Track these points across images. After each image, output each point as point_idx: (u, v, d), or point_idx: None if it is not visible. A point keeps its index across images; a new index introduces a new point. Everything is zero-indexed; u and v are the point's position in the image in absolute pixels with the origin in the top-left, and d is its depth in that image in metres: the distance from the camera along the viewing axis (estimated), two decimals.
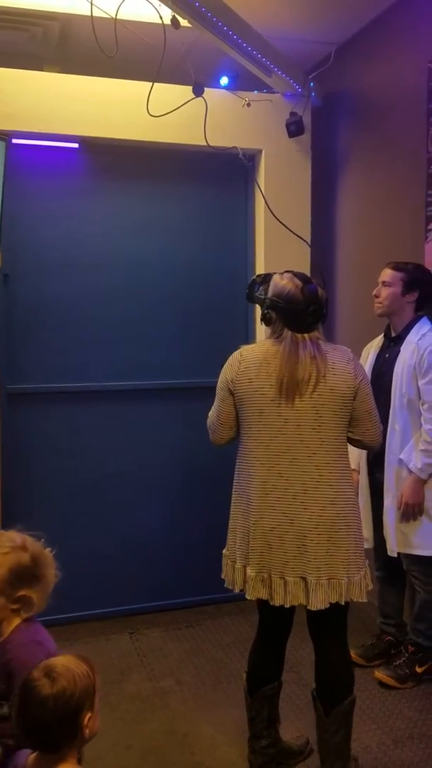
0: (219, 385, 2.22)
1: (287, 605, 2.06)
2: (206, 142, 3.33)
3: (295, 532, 2.05)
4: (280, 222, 3.56)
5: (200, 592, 3.64)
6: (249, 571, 2.11)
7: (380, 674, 2.86)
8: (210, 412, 2.29)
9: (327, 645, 2.18)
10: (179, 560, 3.65)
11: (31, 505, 3.41)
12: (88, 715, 1.40)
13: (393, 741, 2.49)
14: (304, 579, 2.05)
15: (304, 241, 3.63)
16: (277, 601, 2.06)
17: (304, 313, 2.09)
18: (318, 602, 2.03)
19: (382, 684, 2.84)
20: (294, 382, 2.05)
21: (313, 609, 2.04)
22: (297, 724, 2.55)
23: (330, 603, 2.05)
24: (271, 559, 2.07)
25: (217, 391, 2.23)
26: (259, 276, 2.26)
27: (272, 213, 3.56)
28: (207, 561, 3.59)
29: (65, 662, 1.43)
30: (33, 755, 1.45)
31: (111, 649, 3.23)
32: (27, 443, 3.40)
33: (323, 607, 2.04)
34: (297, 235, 3.59)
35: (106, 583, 3.53)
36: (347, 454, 2.17)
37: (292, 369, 2.06)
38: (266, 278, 2.20)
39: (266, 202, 3.56)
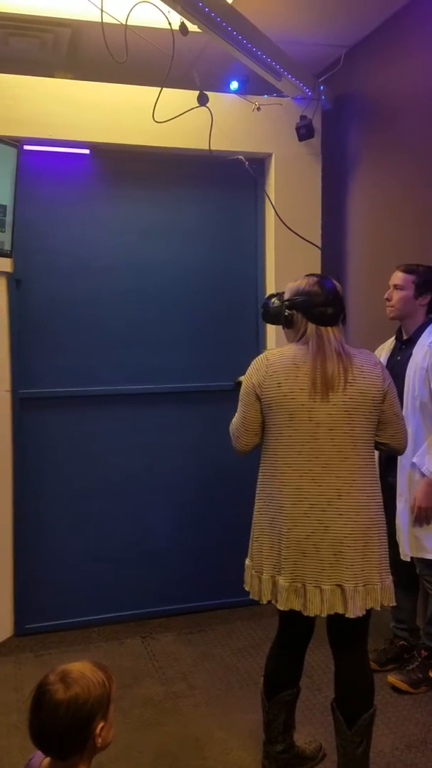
0: (243, 390, 2.17)
1: (324, 614, 2.02)
2: (209, 149, 3.33)
3: (331, 539, 2.01)
4: (289, 228, 3.56)
5: (213, 596, 3.64)
6: (281, 581, 2.05)
7: (393, 679, 2.84)
8: (234, 420, 2.23)
9: (350, 656, 2.14)
10: (191, 564, 3.65)
11: (44, 508, 3.43)
12: (101, 724, 1.38)
13: (406, 746, 2.48)
14: (340, 586, 2.01)
15: (314, 244, 3.63)
16: (312, 612, 2.02)
17: (325, 302, 2.10)
18: (357, 609, 2.00)
19: (395, 689, 2.83)
20: (326, 378, 2.04)
21: (351, 617, 2.00)
22: (310, 729, 2.54)
23: (366, 610, 2.03)
24: (306, 567, 2.02)
25: (240, 397, 2.18)
26: (269, 295, 2.29)
27: (281, 219, 3.56)
28: (219, 565, 3.61)
29: (81, 668, 1.42)
30: (47, 759, 1.45)
31: (123, 654, 3.23)
32: (39, 447, 3.42)
33: (361, 614, 2.01)
34: (306, 240, 3.59)
35: (119, 587, 3.54)
36: (375, 458, 2.16)
37: (323, 365, 2.05)
38: (278, 293, 2.23)
39: (275, 209, 3.56)
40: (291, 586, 2.04)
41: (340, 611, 2.01)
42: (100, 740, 1.39)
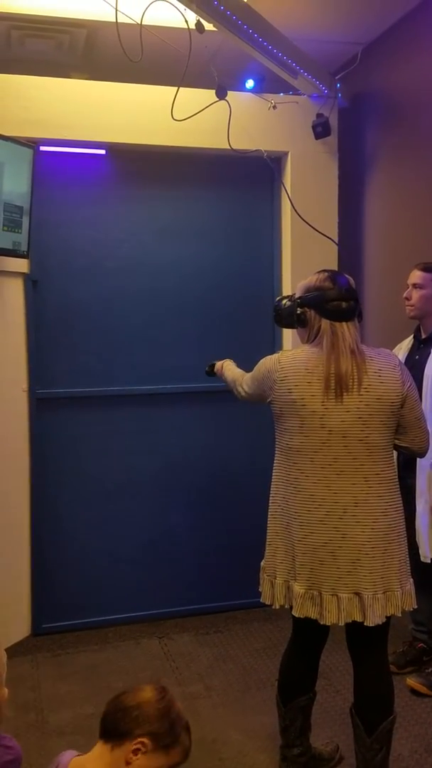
0: (259, 368, 2.17)
1: (341, 623, 1.99)
2: (229, 145, 3.32)
3: (348, 546, 1.98)
4: (306, 222, 3.53)
5: (230, 597, 3.62)
6: (297, 587, 2.02)
7: (412, 681, 2.81)
8: (243, 380, 2.33)
9: (369, 662, 2.11)
10: (209, 565, 3.64)
11: (60, 508, 3.44)
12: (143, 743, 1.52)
13: (425, 749, 2.45)
14: (358, 594, 1.98)
15: (331, 239, 3.59)
16: (329, 620, 1.98)
17: (338, 296, 2.04)
18: (376, 617, 1.96)
19: (414, 691, 2.80)
20: (339, 377, 1.98)
21: (371, 625, 1.96)
22: (327, 731, 2.52)
23: (387, 617, 2.00)
24: (322, 575, 1.99)
25: (254, 371, 2.21)
26: (279, 297, 2.24)
27: (297, 213, 3.54)
28: (236, 565, 3.60)
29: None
30: (75, 759, 1.46)
31: (140, 654, 3.23)
32: (55, 447, 3.42)
33: (380, 622, 1.98)
34: (323, 234, 3.56)
35: (136, 588, 3.54)
36: (394, 462, 2.10)
37: (337, 363, 1.99)
38: (288, 295, 2.18)
39: (291, 203, 3.54)
40: (307, 593, 2.01)
41: (358, 619, 1.98)
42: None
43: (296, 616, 2.03)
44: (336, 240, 3.63)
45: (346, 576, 1.98)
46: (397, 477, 2.11)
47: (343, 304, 2.05)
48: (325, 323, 2.05)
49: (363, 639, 2.09)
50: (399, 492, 2.09)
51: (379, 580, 1.99)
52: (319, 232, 3.56)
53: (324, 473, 2.00)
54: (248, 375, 2.29)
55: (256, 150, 3.43)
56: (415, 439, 2.09)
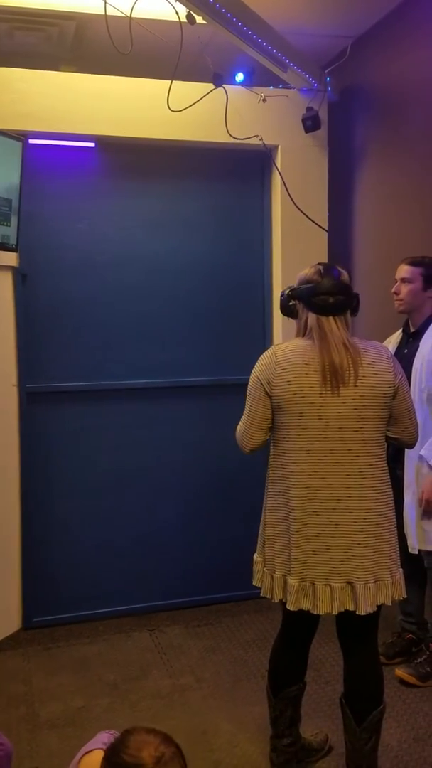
0: (251, 385, 2.10)
1: (334, 612, 2.01)
2: (228, 132, 3.31)
3: (341, 537, 2.00)
4: (299, 209, 3.54)
5: (220, 589, 3.64)
6: (291, 580, 2.04)
7: (401, 672, 2.84)
8: (242, 418, 2.16)
9: (359, 652, 2.13)
10: (199, 558, 3.65)
11: (51, 502, 3.44)
12: None
13: (414, 739, 2.48)
14: (351, 584, 2.00)
15: (322, 228, 3.59)
16: (323, 610, 2.01)
17: (326, 291, 2.03)
18: (368, 606, 1.99)
19: (403, 682, 2.82)
20: (335, 370, 1.98)
21: (362, 614, 1.99)
22: (316, 721, 2.54)
23: (377, 606, 2.03)
24: (316, 565, 2.01)
25: (248, 392, 2.11)
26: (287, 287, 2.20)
27: (292, 199, 3.54)
28: (227, 558, 3.62)
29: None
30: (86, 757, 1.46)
31: (131, 647, 3.24)
32: (46, 441, 3.42)
33: (372, 611, 2.00)
34: (316, 223, 3.56)
35: (126, 581, 3.54)
36: (385, 454, 2.11)
37: (329, 356, 1.99)
38: (290, 285, 2.17)
39: (286, 189, 3.54)
40: (300, 585, 2.02)
41: (351, 608, 2.00)
42: None
43: (290, 609, 2.04)
44: (326, 236, 3.64)
45: (339, 566, 2.00)
46: (387, 468, 2.13)
47: (330, 299, 2.04)
48: (311, 317, 2.06)
49: (353, 629, 2.11)
50: (390, 483, 2.12)
51: (370, 570, 2.01)
52: (312, 220, 3.55)
53: (320, 465, 2.01)
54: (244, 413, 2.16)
55: (254, 136, 3.40)
56: (406, 430, 2.13)
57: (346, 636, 2.14)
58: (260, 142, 3.43)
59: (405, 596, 2.10)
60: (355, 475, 2.01)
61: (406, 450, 2.75)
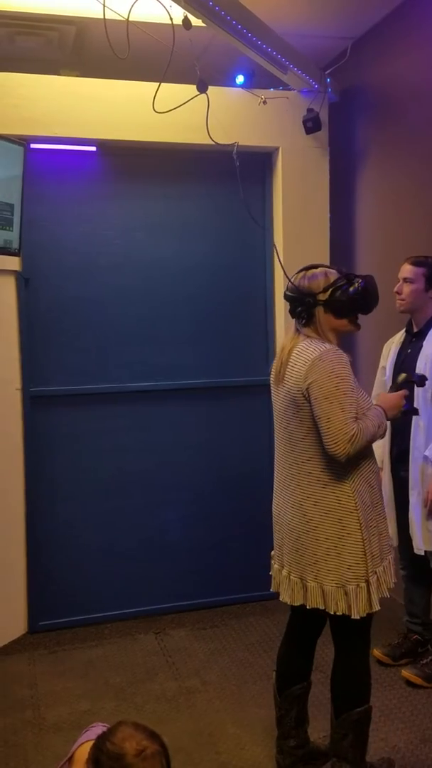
0: (346, 371, 2.04)
1: (272, 590, 2.21)
2: (209, 137, 3.27)
3: (279, 522, 2.18)
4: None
5: (225, 591, 3.64)
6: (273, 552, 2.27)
7: (407, 673, 2.83)
8: (365, 423, 2.16)
9: (339, 652, 2.16)
10: (204, 560, 3.65)
11: (56, 506, 3.44)
12: None
13: (421, 740, 2.47)
14: (282, 569, 2.17)
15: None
16: (274, 587, 2.22)
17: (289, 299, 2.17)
18: (284, 595, 2.14)
19: (409, 683, 2.82)
20: (279, 354, 2.16)
21: (282, 600, 2.15)
22: (324, 725, 2.53)
23: (302, 603, 2.09)
24: (275, 543, 2.23)
25: (347, 383, 2.05)
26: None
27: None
28: (232, 560, 3.61)
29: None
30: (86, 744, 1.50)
31: (137, 649, 3.24)
32: (50, 445, 3.42)
33: (289, 602, 2.13)
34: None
35: (132, 584, 3.54)
36: (326, 458, 2.01)
37: (281, 353, 2.16)
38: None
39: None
40: (273, 560, 2.26)
41: (277, 591, 2.19)
42: None
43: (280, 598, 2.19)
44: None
45: (278, 549, 2.21)
46: (334, 475, 2.02)
47: (290, 307, 2.16)
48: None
49: (332, 628, 2.15)
50: (329, 491, 2.02)
51: (293, 564, 2.11)
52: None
53: (275, 455, 2.21)
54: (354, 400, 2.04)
55: (233, 143, 3.31)
56: (323, 438, 1.99)
57: (332, 633, 2.17)
58: (234, 150, 3.30)
59: (358, 615, 2.01)
60: (289, 468, 2.12)
61: (410, 451, 2.75)
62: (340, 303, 2.08)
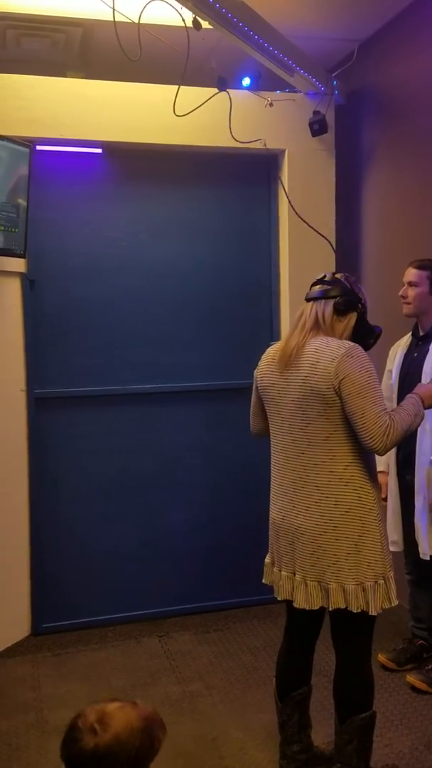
0: (369, 365, 2.06)
1: (279, 598, 2.14)
2: (232, 136, 3.31)
3: (286, 528, 2.10)
4: (304, 221, 3.53)
5: (229, 595, 3.63)
6: (275, 570, 2.19)
7: (412, 678, 2.82)
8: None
9: (341, 656, 2.14)
10: (208, 563, 3.64)
11: (59, 508, 3.44)
12: None
13: (425, 746, 2.45)
14: (294, 575, 2.09)
15: (327, 240, 3.59)
16: (281, 596, 2.14)
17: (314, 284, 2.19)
18: (301, 601, 2.06)
19: (414, 688, 2.80)
20: (284, 351, 2.07)
21: (296, 606, 2.07)
22: (328, 729, 2.51)
23: (323, 606, 2.05)
24: (278, 551, 2.16)
25: (373, 378, 2.09)
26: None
27: (295, 212, 3.53)
28: (235, 563, 3.60)
29: (121, 717, 1.29)
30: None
31: (140, 653, 3.23)
32: (54, 447, 3.42)
33: (307, 608, 2.05)
34: (320, 234, 3.56)
35: (135, 586, 3.53)
36: (350, 455, 2.01)
37: (288, 335, 2.12)
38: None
39: (289, 201, 3.54)
40: (269, 568, 2.21)
41: (290, 598, 2.10)
42: None
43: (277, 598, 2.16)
44: (333, 238, 3.64)
45: (285, 556, 2.12)
46: (354, 472, 2.02)
47: (314, 287, 2.15)
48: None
49: (335, 631, 2.13)
50: (351, 489, 2.02)
51: (309, 568, 2.04)
52: (315, 229, 3.55)
53: (278, 458, 2.15)
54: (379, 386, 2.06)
55: (257, 139, 3.40)
56: (360, 434, 1.98)
57: (332, 635, 2.15)
58: (263, 146, 3.41)
59: (374, 612, 2.01)
60: (299, 471, 2.06)
61: (416, 455, 2.74)
62: (364, 325, 2.17)
